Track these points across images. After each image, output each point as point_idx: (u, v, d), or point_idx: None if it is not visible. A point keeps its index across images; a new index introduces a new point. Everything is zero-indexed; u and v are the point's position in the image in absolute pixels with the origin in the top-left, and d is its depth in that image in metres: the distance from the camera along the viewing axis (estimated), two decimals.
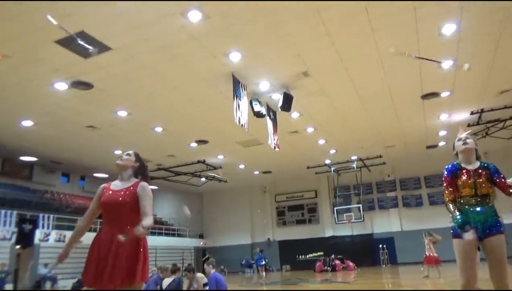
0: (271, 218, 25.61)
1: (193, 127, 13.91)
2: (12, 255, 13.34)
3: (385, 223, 22.57)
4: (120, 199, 3.07)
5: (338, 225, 22.54)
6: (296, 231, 24.64)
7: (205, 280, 7.41)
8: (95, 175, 20.07)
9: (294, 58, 9.31)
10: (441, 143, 17.76)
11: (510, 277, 3.08)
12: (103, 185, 3.26)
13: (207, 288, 7.27)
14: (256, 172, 21.97)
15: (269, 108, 11.49)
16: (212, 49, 8.71)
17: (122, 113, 12.13)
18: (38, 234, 14.55)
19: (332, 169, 20.70)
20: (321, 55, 9.23)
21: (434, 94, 11.87)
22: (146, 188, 3.15)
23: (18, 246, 12.91)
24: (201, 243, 25.23)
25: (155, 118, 12.83)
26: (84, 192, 20.62)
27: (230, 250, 24.29)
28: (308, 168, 20.77)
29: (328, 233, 23.78)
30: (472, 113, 13.71)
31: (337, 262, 20.32)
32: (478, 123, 14.21)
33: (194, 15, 7.40)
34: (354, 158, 19.46)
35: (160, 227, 22.20)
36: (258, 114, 10.65)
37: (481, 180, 3.25)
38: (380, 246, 21.31)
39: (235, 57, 9.06)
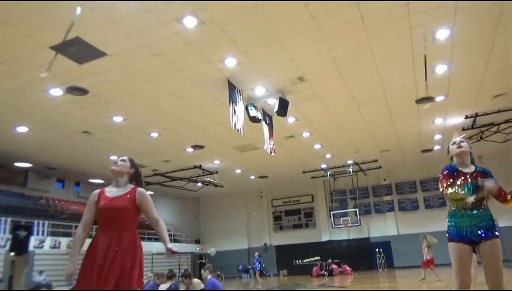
0: (267, 223, 25.57)
1: (189, 133, 13.90)
2: (6, 262, 13.18)
3: (381, 227, 22.61)
4: (120, 205, 3.05)
5: (335, 229, 22.57)
6: (293, 235, 24.61)
7: (202, 285, 7.37)
8: (90, 180, 19.94)
9: (289, 64, 9.35)
10: (436, 147, 17.85)
11: (506, 280, 3.10)
12: (96, 191, 3.21)
13: None
14: (253, 177, 21.97)
15: (265, 113, 11.51)
16: (207, 55, 8.73)
17: (118, 119, 12.11)
18: (33, 241, 14.36)
19: (328, 173, 20.74)
20: (316, 60, 9.28)
21: (429, 99, 11.92)
22: (145, 194, 3.17)
23: (12, 253, 12.74)
24: (198, 249, 25.11)
25: (150, 124, 12.80)
26: (79, 198, 20.47)
27: (227, 255, 24.19)
28: (304, 172, 20.79)
29: (325, 238, 23.78)
30: (466, 117, 13.82)
31: (334, 266, 20.30)
32: (472, 127, 14.32)
33: (190, 21, 7.42)
34: (350, 162, 19.51)
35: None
36: (254, 119, 10.66)
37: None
38: (377, 250, 21.31)
39: (230, 62, 9.09)
